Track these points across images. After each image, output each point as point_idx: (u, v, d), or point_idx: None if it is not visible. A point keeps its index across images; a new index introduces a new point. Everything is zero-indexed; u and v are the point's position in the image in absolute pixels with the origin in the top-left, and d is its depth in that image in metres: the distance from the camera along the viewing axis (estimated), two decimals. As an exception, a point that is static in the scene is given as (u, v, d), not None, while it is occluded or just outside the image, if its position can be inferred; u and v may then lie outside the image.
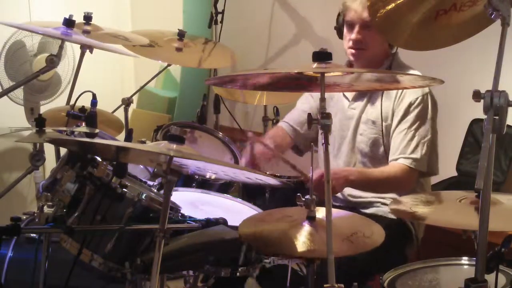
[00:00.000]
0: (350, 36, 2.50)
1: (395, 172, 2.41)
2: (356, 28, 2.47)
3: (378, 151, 2.50)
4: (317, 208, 1.86)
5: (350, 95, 2.59)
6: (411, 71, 2.50)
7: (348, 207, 2.51)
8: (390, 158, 2.46)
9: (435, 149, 2.50)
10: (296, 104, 2.81)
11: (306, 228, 1.82)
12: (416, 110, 2.43)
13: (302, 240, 1.78)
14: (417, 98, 2.43)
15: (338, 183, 2.34)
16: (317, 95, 2.66)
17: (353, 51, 2.51)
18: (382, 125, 2.48)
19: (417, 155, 2.40)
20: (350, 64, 2.58)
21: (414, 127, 2.43)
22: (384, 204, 2.51)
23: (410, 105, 2.44)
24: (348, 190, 2.57)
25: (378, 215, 2.47)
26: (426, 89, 2.44)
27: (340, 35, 2.58)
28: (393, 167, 2.42)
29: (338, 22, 2.58)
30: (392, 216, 2.50)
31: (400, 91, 2.45)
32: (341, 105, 2.61)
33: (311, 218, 1.84)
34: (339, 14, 2.58)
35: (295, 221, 1.87)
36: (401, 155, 2.42)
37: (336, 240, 1.72)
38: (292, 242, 1.78)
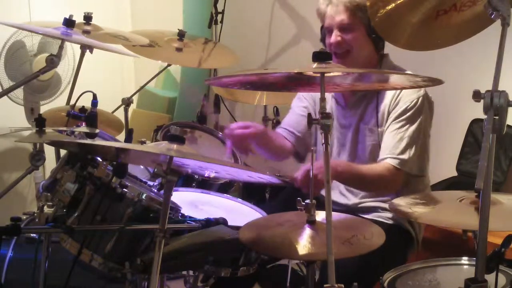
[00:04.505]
0: (329, 41, 2.46)
1: (381, 170, 2.38)
2: (335, 31, 2.44)
3: (377, 157, 2.48)
4: (317, 212, 1.86)
5: (345, 104, 2.58)
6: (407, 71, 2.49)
7: (348, 211, 2.49)
8: (379, 157, 2.43)
9: (427, 151, 2.47)
10: (291, 107, 2.77)
11: (307, 231, 1.82)
12: (409, 112, 2.40)
13: (303, 244, 1.78)
14: (412, 101, 2.40)
15: None
16: (308, 95, 2.66)
17: (335, 55, 2.44)
18: (378, 131, 2.47)
19: (405, 156, 2.37)
20: None
21: (404, 128, 2.39)
22: (385, 209, 2.49)
23: (404, 108, 2.41)
24: (355, 199, 2.56)
25: (378, 222, 2.44)
26: (422, 92, 2.41)
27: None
28: (380, 165, 2.40)
29: (322, 34, 2.54)
30: (393, 222, 2.50)
31: (395, 95, 2.42)
32: (338, 114, 2.59)
33: (311, 222, 1.84)
34: (321, 26, 2.54)
35: (295, 225, 1.87)
36: (389, 155, 2.39)
37: (336, 242, 1.72)
38: (293, 246, 1.78)
